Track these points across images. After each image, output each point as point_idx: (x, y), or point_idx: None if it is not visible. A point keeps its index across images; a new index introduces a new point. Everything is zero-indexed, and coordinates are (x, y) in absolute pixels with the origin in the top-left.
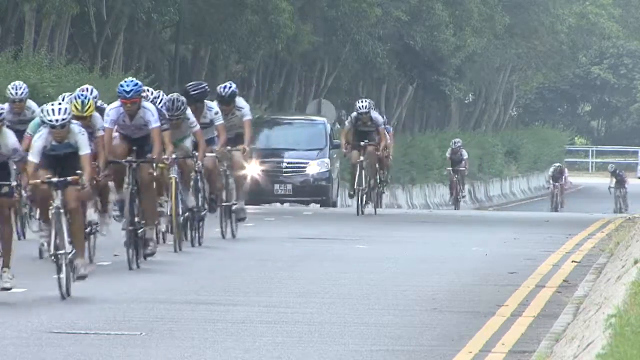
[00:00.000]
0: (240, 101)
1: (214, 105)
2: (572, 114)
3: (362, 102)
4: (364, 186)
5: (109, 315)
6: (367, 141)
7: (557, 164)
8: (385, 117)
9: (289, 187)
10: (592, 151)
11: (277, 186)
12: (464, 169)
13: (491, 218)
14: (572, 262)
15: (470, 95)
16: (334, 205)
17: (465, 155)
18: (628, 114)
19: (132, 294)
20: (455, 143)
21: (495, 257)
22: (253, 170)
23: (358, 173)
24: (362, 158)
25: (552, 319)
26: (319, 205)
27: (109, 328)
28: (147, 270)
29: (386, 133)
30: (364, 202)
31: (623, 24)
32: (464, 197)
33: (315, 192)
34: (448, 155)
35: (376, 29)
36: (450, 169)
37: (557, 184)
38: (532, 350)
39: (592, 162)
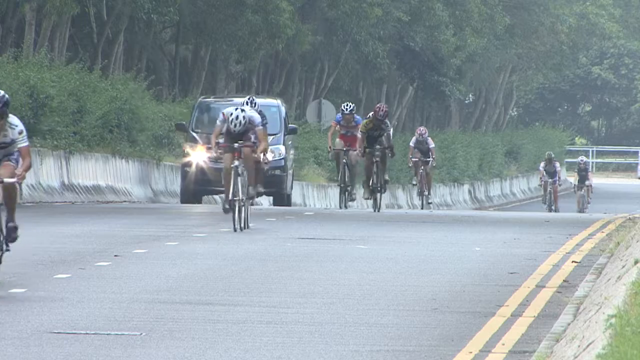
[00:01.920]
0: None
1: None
2: (572, 114)
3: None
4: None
5: (109, 315)
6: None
7: (548, 152)
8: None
9: None
10: (592, 151)
11: None
12: (430, 159)
13: (491, 218)
14: (572, 262)
15: (470, 96)
16: (288, 199)
17: (432, 144)
18: (628, 114)
19: (132, 294)
20: (420, 130)
21: (495, 257)
22: (198, 157)
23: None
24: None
25: (552, 319)
26: (270, 199)
27: (109, 328)
28: (147, 270)
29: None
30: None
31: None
32: (429, 199)
33: (268, 183)
34: (412, 144)
35: (376, 29)
36: (416, 159)
37: (551, 180)
38: (532, 350)
39: (592, 162)
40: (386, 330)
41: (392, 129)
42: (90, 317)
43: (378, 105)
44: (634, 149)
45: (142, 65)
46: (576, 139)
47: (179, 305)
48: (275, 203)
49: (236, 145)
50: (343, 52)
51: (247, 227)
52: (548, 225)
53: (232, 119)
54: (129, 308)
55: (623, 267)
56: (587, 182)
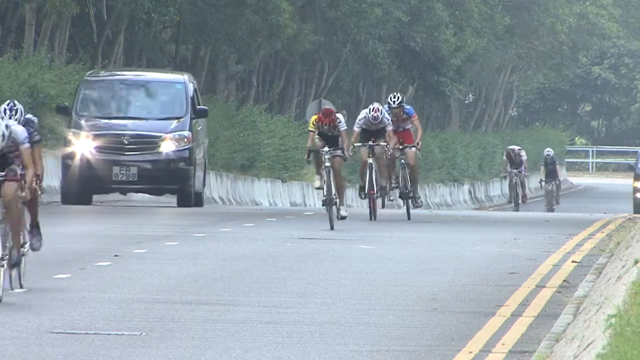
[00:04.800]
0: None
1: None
2: (572, 114)
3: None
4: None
5: (109, 315)
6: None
7: (510, 147)
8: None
9: (133, 170)
10: (592, 151)
11: (116, 169)
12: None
13: (491, 218)
14: (572, 262)
15: (470, 95)
16: (198, 197)
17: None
18: (628, 114)
19: (132, 294)
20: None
21: (495, 257)
22: (84, 147)
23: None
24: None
25: (552, 319)
26: (175, 198)
27: (109, 328)
28: (147, 270)
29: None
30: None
31: (623, 24)
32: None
33: (170, 178)
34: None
35: (376, 29)
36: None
37: (516, 170)
38: (532, 350)
39: (592, 162)
40: (386, 330)
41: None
42: (90, 317)
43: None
44: (633, 149)
45: (142, 65)
46: (576, 139)
47: (179, 305)
48: (180, 203)
49: None
50: (343, 52)
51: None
52: (548, 225)
53: None
54: (129, 308)
55: (623, 267)
56: (556, 177)
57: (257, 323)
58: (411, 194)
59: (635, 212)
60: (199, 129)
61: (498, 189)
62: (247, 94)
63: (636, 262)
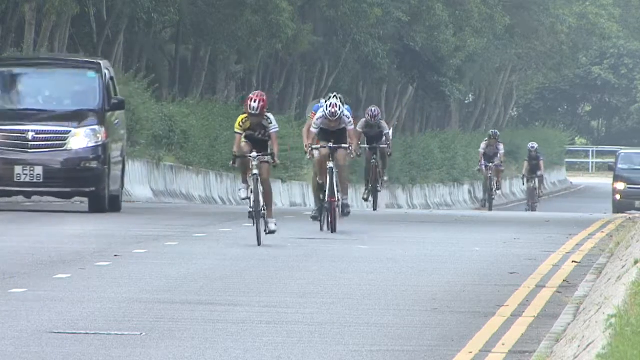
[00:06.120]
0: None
1: None
2: (572, 114)
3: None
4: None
5: (109, 315)
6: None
7: (493, 130)
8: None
9: (38, 170)
10: (592, 151)
11: (18, 169)
12: (384, 146)
13: (491, 218)
14: (572, 262)
15: (470, 96)
16: (114, 201)
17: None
18: (628, 114)
19: (132, 294)
20: (373, 115)
21: (495, 257)
22: None
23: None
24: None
25: (552, 319)
26: (86, 201)
27: (109, 328)
28: (147, 270)
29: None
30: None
31: (623, 24)
32: (377, 193)
33: (81, 180)
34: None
35: (376, 29)
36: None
37: (491, 164)
38: (532, 350)
39: (592, 162)
40: (386, 330)
41: (390, 129)
42: (90, 317)
43: (370, 109)
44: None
45: (142, 65)
46: (576, 139)
47: (179, 305)
48: (92, 208)
49: None
50: (343, 52)
51: None
52: (548, 225)
53: None
54: (129, 308)
55: (623, 267)
56: (538, 173)
57: (257, 323)
58: (339, 202)
59: (614, 212)
60: (115, 122)
61: None
62: (247, 94)
63: (636, 262)
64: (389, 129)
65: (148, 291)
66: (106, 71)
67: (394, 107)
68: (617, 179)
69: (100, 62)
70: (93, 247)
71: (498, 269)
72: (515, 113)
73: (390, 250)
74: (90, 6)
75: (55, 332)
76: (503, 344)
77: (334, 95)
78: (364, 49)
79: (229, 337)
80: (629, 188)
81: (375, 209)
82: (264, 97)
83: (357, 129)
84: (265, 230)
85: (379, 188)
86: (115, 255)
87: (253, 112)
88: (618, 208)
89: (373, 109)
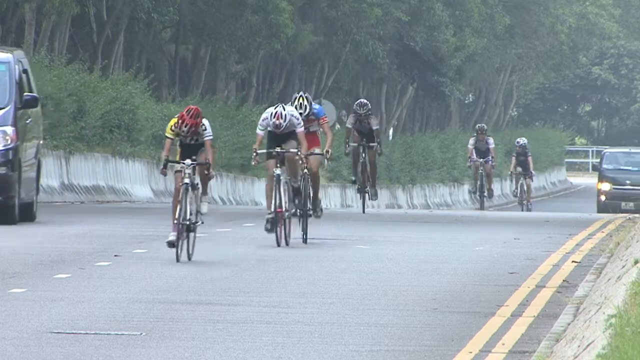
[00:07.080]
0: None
1: None
2: (572, 114)
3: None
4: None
5: (109, 315)
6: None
7: (480, 125)
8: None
9: None
10: (592, 151)
11: None
12: (374, 144)
13: (491, 218)
14: (572, 262)
15: (470, 95)
16: (27, 210)
17: (376, 125)
18: (628, 114)
19: (132, 294)
20: (362, 105)
21: (495, 257)
22: None
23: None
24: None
25: (552, 319)
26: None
27: (109, 328)
28: (147, 270)
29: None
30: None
31: (623, 24)
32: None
33: None
34: (349, 124)
35: (376, 29)
36: (355, 144)
37: (482, 160)
38: (532, 350)
39: (592, 162)
40: (386, 330)
41: (390, 129)
42: (90, 317)
43: (359, 100)
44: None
45: (142, 65)
46: (576, 139)
47: (179, 305)
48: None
49: None
50: (343, 52)
51: None
52: (548, 225)
53: None
54: (129, 308)
55: (623, 267)
56: (530, 171)
57: (257, 323)
58: (310, 210)
59: (598, 212)
60: (27, 122)
61: (498, 189)
62: (247, 94)
63: (636, 262)
64: (386, 128)
65: (148, 291)
66: (17, 65)
67: (394, 107)
68: (601, 179)
69: (12, 54)
70: (93, 247)
71: (498, 269)
72: (515, 113)
73: (390, 250)
74: (90, 6)
75: (55, 332)
76: (503, 344)
77: (297, 97)
78: (364, 49)
79: (229, 337)
80: (614, 189)
81: (364, 212)
82: (196, 120)
83: (347, 125)
84: (189, 248)
85: (367, 190)
86: (115, 255)
87: (183, 134)
88: (603, 210)
89: (362, 100)
